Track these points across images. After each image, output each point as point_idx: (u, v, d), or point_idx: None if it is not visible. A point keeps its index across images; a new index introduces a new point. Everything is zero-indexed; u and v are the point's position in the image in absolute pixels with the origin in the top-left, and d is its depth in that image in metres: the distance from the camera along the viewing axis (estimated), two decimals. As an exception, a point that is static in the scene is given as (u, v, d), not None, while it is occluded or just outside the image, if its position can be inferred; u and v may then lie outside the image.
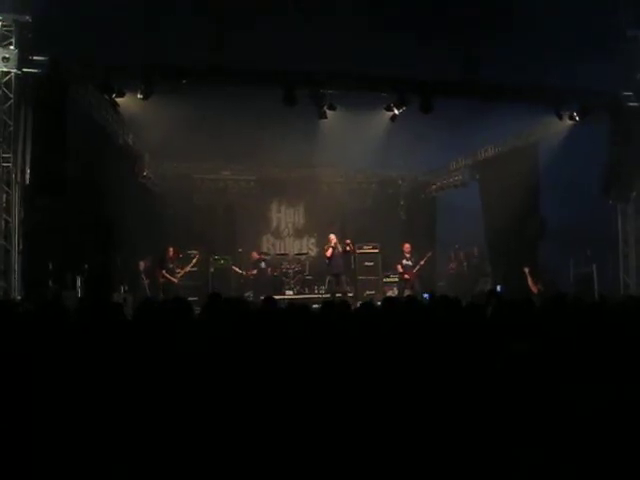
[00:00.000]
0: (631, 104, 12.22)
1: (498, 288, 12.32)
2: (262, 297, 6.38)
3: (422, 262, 14.99)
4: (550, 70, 11.93)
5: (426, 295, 13.28)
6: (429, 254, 15.33)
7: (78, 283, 11.16)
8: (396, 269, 15.32)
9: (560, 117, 12.03)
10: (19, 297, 9.40)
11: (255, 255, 16.10)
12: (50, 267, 10.40)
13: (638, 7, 11.92)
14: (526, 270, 12.47)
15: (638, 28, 12.08)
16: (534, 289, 12.13)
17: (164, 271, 13.86)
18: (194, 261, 15.04)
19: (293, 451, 2.62)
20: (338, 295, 13.99)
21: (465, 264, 16.81)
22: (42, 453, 2.53)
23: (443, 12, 11.78)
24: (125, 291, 12.76)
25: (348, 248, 14.65)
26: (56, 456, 2.52)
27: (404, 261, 15.03)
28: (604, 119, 12.34)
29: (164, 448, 2.58)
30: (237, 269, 16.15)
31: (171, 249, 14.26)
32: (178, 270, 14.24)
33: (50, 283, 10.31)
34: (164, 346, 3.25)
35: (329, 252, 14.21)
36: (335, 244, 14.25)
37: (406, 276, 14.90)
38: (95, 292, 11.02)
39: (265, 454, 2.59)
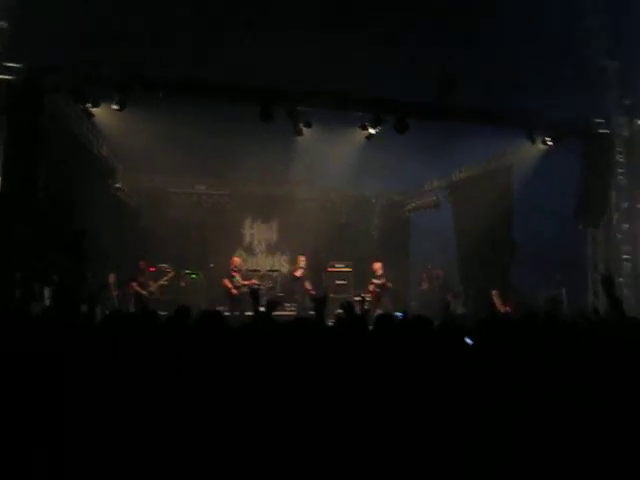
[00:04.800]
0: (602, 131, 12.45)
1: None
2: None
3: (388, 283, 14.49)
4: (524, 96, 12.14)
5: (399, 314, 13.13)
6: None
7: (46, 294, 10.98)
8: (370, 291, 14.80)
9: (533, 141, 12.19)
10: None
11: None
12: (17, 278, 10.22)
13: (608, 40, 12.37)
14: (493, 293, 12.52)
15: (607, 59, 12.45)
16: (502, 311, 12.18)
17: (134, 283, 13.73)
18: (168, 276, 14.98)
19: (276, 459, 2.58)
20: (311, 313, 13.80)
21: (436, 284, 16.82)
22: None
23: (421, 33, 11.96)
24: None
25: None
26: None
27: (375, 280, 14.79)
28: (577, 144, 12.56)
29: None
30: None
31: (142, 263, 14.17)
32: (150, 283, 14.12)
33: (17, 294, 10.12)
34: (129, 355, 3.20)
35: (299, 272, 14.69)
36: (303, 265, 14.77)
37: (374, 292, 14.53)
38: (63, 303, 10.83)
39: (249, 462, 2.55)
